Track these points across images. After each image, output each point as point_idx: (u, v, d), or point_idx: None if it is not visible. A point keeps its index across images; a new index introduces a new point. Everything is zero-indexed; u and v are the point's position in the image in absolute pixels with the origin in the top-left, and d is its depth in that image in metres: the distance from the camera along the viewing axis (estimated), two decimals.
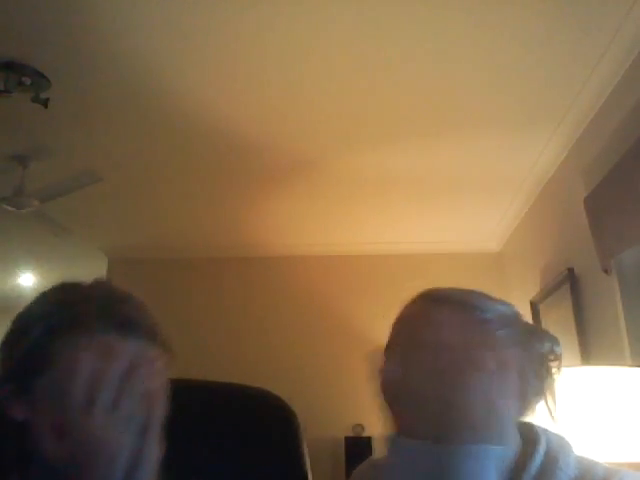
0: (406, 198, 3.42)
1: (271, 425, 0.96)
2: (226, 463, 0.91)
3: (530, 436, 0.81)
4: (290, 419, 0.97)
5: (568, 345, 2.65)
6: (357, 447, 3.56)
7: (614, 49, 2.05)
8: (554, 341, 0.84)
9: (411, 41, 2.07)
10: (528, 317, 3.07)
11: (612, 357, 2.22)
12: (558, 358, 0.84)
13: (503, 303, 0.86)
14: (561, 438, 0.82)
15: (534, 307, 3.15)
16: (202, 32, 2.04)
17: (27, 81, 2.22)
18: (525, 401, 0.81)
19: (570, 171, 2.69)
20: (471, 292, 0.87)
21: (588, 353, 2.46)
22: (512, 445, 0.78)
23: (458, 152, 2.87)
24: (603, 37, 2.02)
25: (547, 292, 2.95)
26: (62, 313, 0.72)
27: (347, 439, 3.63)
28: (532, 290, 3.19)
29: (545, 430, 0.82)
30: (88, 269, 4.37)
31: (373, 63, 2.20)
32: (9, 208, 2.89)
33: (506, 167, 3.02)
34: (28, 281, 4.91)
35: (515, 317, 0.85)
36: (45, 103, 2.33)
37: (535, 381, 0.81)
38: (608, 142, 2.24)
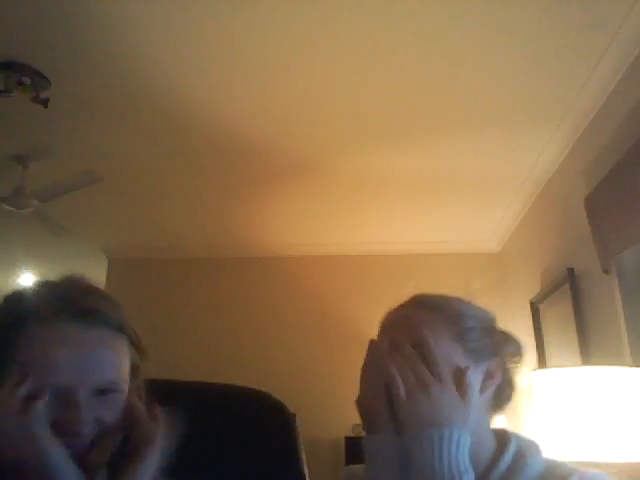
0: (406, 198, 3.42)
1: (269, 427, 0.96)
2: (224, 465, 0.91)
3: (503, 439, 0.86)
4: (288, 421, 0.96)
5: (568, 345, 2.65)
6: (357, 447, 3.52)
7: (614, 49, 2.05)
8: (519, 344, 0.91)
9: (411, 41, 2.07)
10: (528, 317, 3.06)
11: (612, 357, 2.22)
12: (520, 361, 0.90)
13: (482, 309, 0.91)
14: (531, 441, 0.87)
15: (534, 307, 3.15)
16: (202, 32, 2.04)
17: (27, 81, 2.22)
18: (498, 404, 0.88)
19: (570, 171, 2.68)
20: (455, 299, 0.90)
21: (588, 353, 2.46)
22: (486, 443, 0.84)
23: (458, 152, 2.87)
24: (603, 37, 2.02)
25: (547, 292, 2.95)
26: (26, 305, 0.73)
27: (347, 439, 3.63)
28: (532, 290, 3.19)
29: (517, 435, 0.87)
30: (88, 269, 4.36)
31: (373, 63, 2.19)
32: (9, 208, 2.90)
33: (506, 167, 3.02)
34: (28, 281, 4.91)
35: (494, 324, 0.91)
36: (45, 103, 2.33)
37: (506, 385, 0.87)
38: (608, 142, 2.24)
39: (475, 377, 0.83)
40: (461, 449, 0.74)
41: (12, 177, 2.92)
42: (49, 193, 2.96)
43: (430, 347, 0.81)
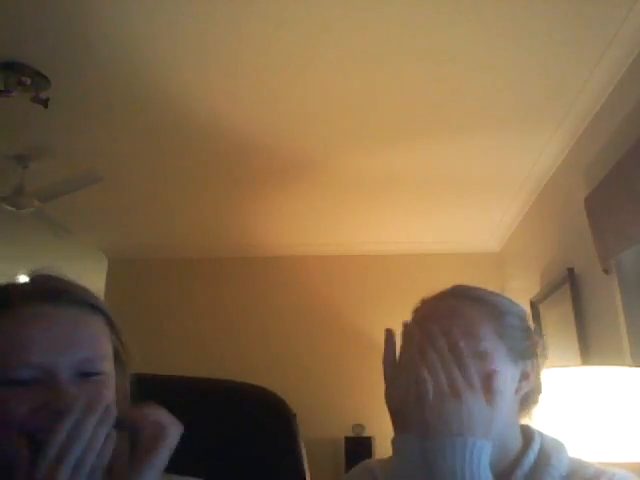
0: (406, 198, 3.43)
1: (269, 422, 0.96)
2: (222, 458, 0.91)
3: (527, 437, 0.85)
4: (288, 417, 0.96)
5: (568, 345, 2.65)
6: (357, 447, 3.56)
7: (614, 49, 2.05)
8: (545, 344, 0.90)
9: (412, 41, 2.07)
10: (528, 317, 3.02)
11: (612, 357, 2.22)
12: (544, 362, 0.90)
13: (518, 305, 0.90)
14: (556, 440, 0.86)
15: (534, 307, 3.15)
16: (203, 32, 2.04)
17: (27, 81, 2.22)
18: (525, 406, 0.88)
19: (570, 171, 2.68)
20: (495, 293, 0.89)
21: (588, 353, 2.46)
22: (513, 444, 0.83)
23: (458, 152, 2.87)
24: (603, 37, 2.02)
25: (547, 292, 2.95)
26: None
27: (347, 439, 3.63)
28: (532, 290, 3.19)
29: (541, 432, 0.86)
30: (88, 269, 4.37)
31: (373, 64, 2.19)
32: (9, 208, 2.90)
33: (506, 167, 3.02)
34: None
35: (529, 322, 0.90)
36: (45, 103, 2.33)
37: (536, 388, 0.87)
38: (608, 142, 2.24)
39: (513, 377, 0.83)
40: (483, 459, 0.73)
41: (12, 177, 2.92)
42: (49, 193, 2.96)
43: (485, 346, 0.79)
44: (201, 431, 0.91)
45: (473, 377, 0.77)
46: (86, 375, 0.70)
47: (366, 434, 3.65)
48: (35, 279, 0.78)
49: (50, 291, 0.73)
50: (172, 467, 0.75)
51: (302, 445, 0.94)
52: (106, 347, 0.75)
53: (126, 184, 3.31)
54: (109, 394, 0.72)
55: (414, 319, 0.89)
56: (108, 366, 0.74)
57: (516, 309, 0.88)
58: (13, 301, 0.72)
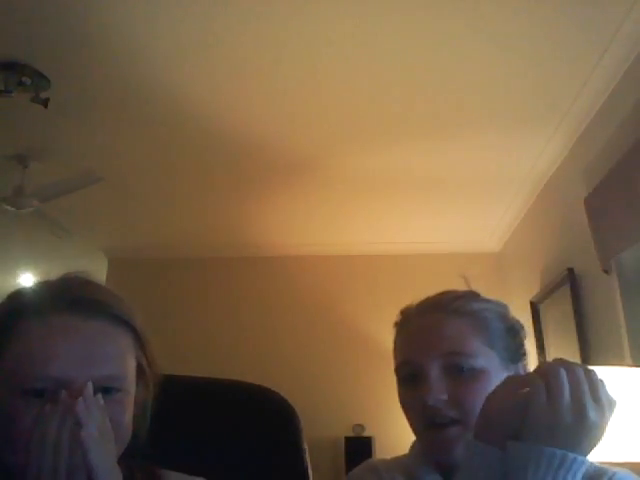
0: (406, 198, 3.42)
1: (271, 422, 0.96)
2: (226, 459, 0.91)
3: None
4: (290, 416, 0.96)
5: (568, 345, 2.65)
6: (357, 447, 3.56)
7: (614, 49, 2.05)
8: (524, 331, 0.88)
9: (411, 42, 2.07)
10: (528, 317, 3.05)
11: (612, 357, 2.22)
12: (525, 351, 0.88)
13: (496, 303, 0.88)
14: None
15: (534, 307, 3.15)
16: (204, 32, 2.04)
17: (27, 81, 2.22)
18: None
19: (570, 171, 2.69)
20: (476, 299, 0.87)
21: (588, 353, 2.46)
22: None
23: (458, 152, 2.87)
24: (603, 37, 2.02)
25: (547, 292, 2.95)
26: (23, 300, 0.72)
27: (347, 439, 3.63)
28: (532, 290, 3.19)
29: None
30: (88, 269, 4.36)
31: (373, 63, 2.20)
32: (9, 208, 2.89)
33: (506, 167, 3.02)
34: (28, 281, 4.90)
35: (509, 317, 0.88)
36: (45, 103, 2.33)
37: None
38: (608, 142, 2.24)
39: None
40: None
41: (12, 177, 2.92)
42: (49, 193, 2.96)
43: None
44: (204, 430, 0.92)
45: None
46: (106, 391, 0.67)
47: (366, 434, 3.65)
48: (69, 285, 0.73)
49: (83, 301, 0.70)
50: (175, 466, 0.75)
51: (305, 446, 0.94)
52: (130, 364, 0.72)
53: (126, 184, 3.31)
54: (126, 412, 0.70)
55: (398, 333, 0.87)
56: (129, 383, 0.71)
57: (497, 310, 0.86)
58: (43, 307, 0.69)
